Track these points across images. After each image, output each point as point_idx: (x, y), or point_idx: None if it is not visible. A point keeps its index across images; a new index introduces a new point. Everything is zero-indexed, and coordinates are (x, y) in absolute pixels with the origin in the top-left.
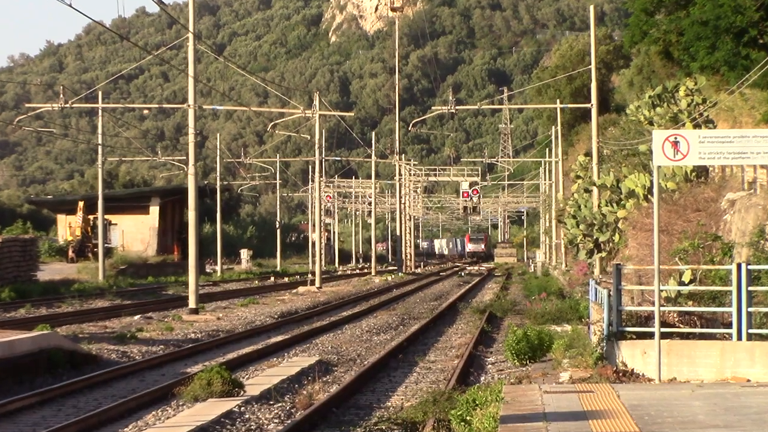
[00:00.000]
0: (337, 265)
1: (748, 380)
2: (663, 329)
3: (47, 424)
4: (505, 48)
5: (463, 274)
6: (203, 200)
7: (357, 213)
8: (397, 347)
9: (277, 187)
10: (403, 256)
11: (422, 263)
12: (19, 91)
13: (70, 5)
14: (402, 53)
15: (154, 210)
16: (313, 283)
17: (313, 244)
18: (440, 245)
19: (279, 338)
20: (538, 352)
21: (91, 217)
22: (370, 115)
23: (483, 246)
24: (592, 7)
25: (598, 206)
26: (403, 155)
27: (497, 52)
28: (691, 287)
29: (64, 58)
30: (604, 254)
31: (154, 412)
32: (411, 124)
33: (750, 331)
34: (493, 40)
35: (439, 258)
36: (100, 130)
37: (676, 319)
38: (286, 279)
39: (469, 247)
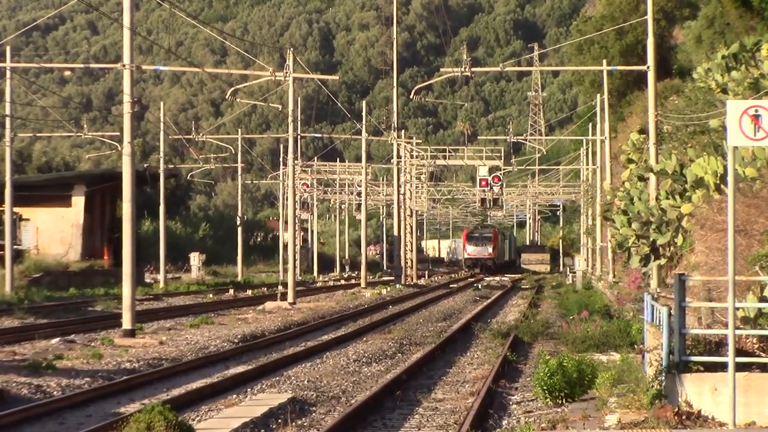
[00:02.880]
0: (316, 274)
1: None
2: (739, 359)
3: None
4: None
5: (480, 286)
6: (142, 189)
7: (342, 206)
8: (394, 381)
9: (239, 173)
10: (402, 262)
11: (426, 272)
12: None
13: None
14: None
15: (78, 201)
16: (284, 297)
17: (285, 246)
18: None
19: (240, 369)
20: (577, 388)
21: None
22: (360, 80)
23: (491, 249)
24: None
25: (656, 199)
26: (404, 131)
27: None
28: None
29: None
30: (663, 261)
31: None
32: (413, 91)
33: None
34: None
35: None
36: (8, 98)
37: (756, 346)
38: (249, 292)
39: (469, 250)
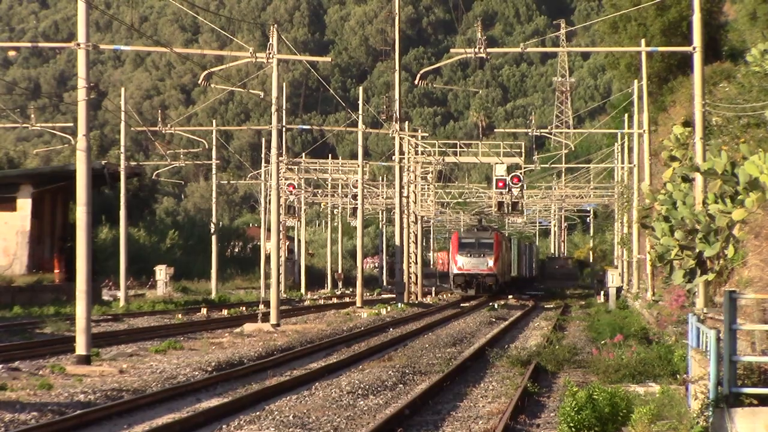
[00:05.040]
0: (303, 290)
1: None
2: None
3: None
4: None
5: (497, 306)
6: (99, 190)
7: (335, 211)
8: (395, 417)
9: (213, 171)
10: (405, 277)
11: (434, 288)
12: None
13: None
14: None
15: (24, 204)
16: (267, 318)
17: (268, 258)
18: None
19: (214, 402)
20: (609, 425)
21: None
22: (356, 62)
23: (491, 261)
24: None
25: (704, 203)
26: (407, 123)
27: None
28: None
29: None
30: (711, 276)
31: None
32: (419, 76)
33: None
34: None
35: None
36: None
37: None
38: (224, 312)
39: (460, 263)
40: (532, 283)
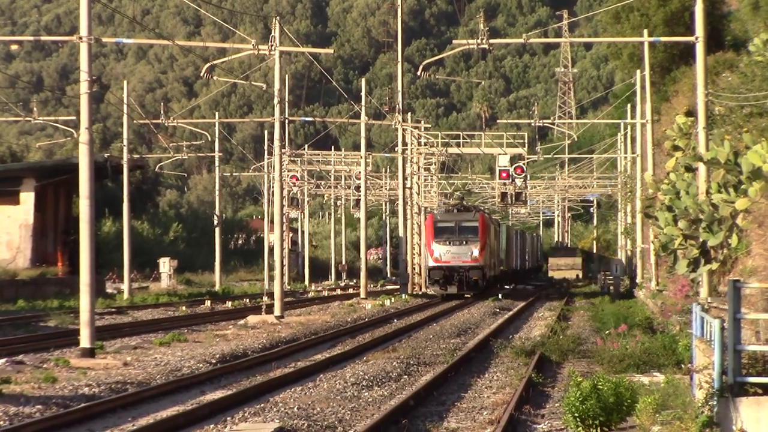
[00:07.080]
0: (307, 282)
1: None
2: None
3: None
4: None
5: (500, 296)
6: (102, 183)
7: (338, 203)
8: (400, 408)
9: (216, 163)
10: (409, 268)
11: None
12: None
13: None
14: None
15: (27, 198)
16: (270, 310)
17: (271, 250)
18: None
19: (218, 394)
20: (614, 414)
21: None
22: (359, 54)
23: (476, 250)
24: None
25: (707, 193)
26: (410, 114)
27: None
28: None
29: None
30: (714, 266)
31: None
32: (421, 67)
33: None
34: None
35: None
36: None
37: None
38: (228, 304)
39: (437, 253)
40: (525, 278)
